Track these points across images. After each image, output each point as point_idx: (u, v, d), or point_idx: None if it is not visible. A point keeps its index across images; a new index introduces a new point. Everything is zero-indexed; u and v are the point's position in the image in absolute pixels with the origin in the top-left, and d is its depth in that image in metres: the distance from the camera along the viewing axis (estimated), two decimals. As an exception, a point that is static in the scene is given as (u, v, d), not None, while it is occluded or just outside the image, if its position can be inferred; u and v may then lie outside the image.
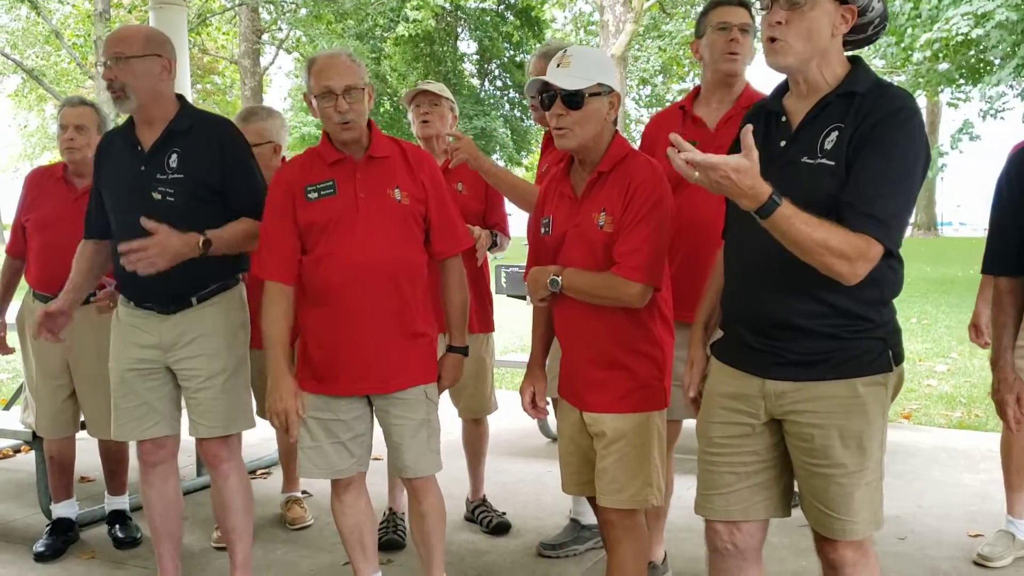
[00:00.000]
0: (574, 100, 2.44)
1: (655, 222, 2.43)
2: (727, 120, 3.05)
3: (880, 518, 2.14)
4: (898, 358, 2.10)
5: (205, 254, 2.90)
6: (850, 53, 2.14)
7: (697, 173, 1.85)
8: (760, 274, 2.10)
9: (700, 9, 3.24)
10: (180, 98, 3.14)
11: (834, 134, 2.01)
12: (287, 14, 24.43)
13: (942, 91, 17.16)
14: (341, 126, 2.73)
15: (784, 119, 2.13)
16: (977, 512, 4.03)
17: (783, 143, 2.10)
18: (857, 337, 2.05)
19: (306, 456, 2.86)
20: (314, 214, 2.77)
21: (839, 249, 1.90)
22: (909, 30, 15.12)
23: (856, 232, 1.91)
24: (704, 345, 2.41)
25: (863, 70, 2.09)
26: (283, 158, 3.87)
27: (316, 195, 2.78)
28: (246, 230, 2.99)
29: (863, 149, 1.96)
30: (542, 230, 2.67)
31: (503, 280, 6.17)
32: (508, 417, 4.68)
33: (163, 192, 2.95)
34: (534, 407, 2.78)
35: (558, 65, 2.46)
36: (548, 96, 2.48)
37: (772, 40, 2.05)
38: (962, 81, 15.96)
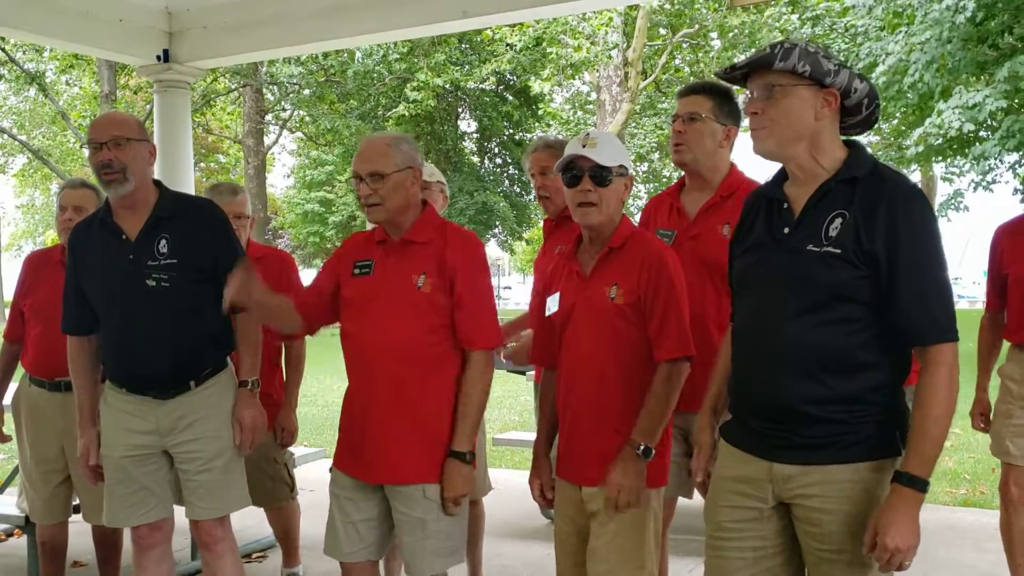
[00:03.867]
0: (602, 177, 2.53)
1: (678, 295, 2.52)
2: (707, 209, 3.03)
3: None
4: (907, 441, 2.06)
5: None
6: (847, 138, 2.16)
7: None
8: (766, 360, 2.10)
9: None
10: (157, 183, 3.18)
11: (838, 220, 2.02)
12: (291, 95, 24.90)
13: (937, 162, 17.44)
14: (365, 208, 2.79)
15: (786, 206, 2.15)
16: (985, 594, 3.96)
17: (786, 230, 2.12)
18: (864, 421, 2.04)
19: (326, 532, 2.85)
20: (351, 290, 2.83)
21: (952, 392, 1.97)
22: (898, 115, 15.40)
23: (931, 346, 1.98)
24: (712, 430, 2.39)
25: (861, 154, 2.11)
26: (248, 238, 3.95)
27: (358, 271, 2.84)
28: (256, 338, 3.16)
29: (895, 260, 1.97)
30: (549, 309, 2.70)
31: (502, 356, 6.15)
32: (507, 497, 4.63)
33: (157, 279, 2.98)
34: (544, 498, 2.77)
35: (583, 145, 2.54)
36: (572, 175, 2.56)
37: (754, 129, 2.10)
38: (951, 154, 16.23)
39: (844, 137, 2.16)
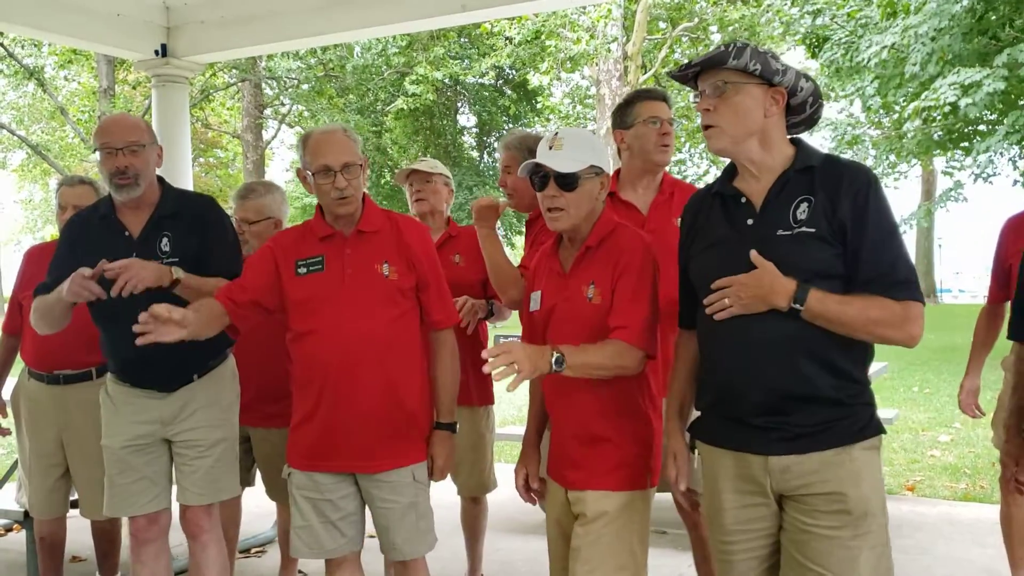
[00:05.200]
0: (568, 182, 2.46)
1: (649, 290, 2.45)
2: (656, 205, 3.22)
3: None
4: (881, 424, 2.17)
5: (171, 289, 2.92)
6: (791, 135, 2.24)
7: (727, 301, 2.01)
8: (757, 350, 2.09)
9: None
10: (160, 179, 3.20)
11: (804, 205, 2.11)
12: (289, 89, 24.88)
13: (936, 155, 17.44)
14: (338, 201, 2.75)
15: (744, 200, 2.20)
16: (986, 588, 3.96)
17: (750, 221, 2.17)
18: (854, 402, 2.11)
19: (297, 535, 2.83)
20: (302, 290, 2.78)
21: (882, 318, 2.03)
22: (901, 100, 15.40)
23: (891, 299, 2.03)
24: (683, 434, 2.39)
25: (807, 147, 2.22)
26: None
27: (305, 270, 2.80)
28: (216, 284, 3.00)
29: (861, 226, 2.05)
30: (532, 306, 2.67)
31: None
32: (508, 491, 4.61)
33: None
34: (527, 490, 2.75)
35: (550, 147, 2.47)
36: (540, 178, 2.49)
37: (707, 127, 2.17)
38: (951, 146, 16.24)
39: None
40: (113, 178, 3.02)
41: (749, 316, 2.10)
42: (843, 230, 2.06)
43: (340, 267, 2.78)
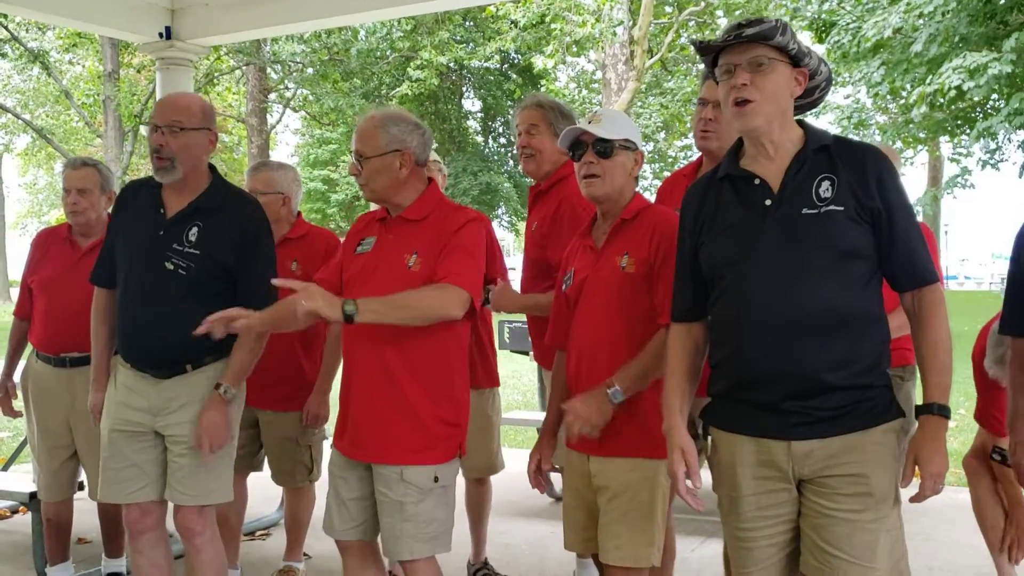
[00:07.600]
0: (605, 150, 2.59)
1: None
2: None
3: (904, 571, 2.14)
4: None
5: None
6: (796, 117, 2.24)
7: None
8: (800, 335, 2.07)
9: (701, 67, 3.26)
10: (212, 169, 3.12)
11: (826, 183, 2.10)
12: (294, 73, 24.82)
13: (944, 141, 17.42)
14: (359, 185, 2.79)
15: (758, 181, 2.17)
16: (989, 574, 3.96)
17: (768, 202, 2.14)
18: (875, 385, 2.12)
19: (325, 509, 2.82)
20: (352, 268, 2.80)
21: (948, 322, 2.14)
22: (908, 86, 15.36)
23: (924, 288, 2.13)
24: (686, 431, 2.29)
25: (813, 127, 2.23)
26: (299, 212, 3.90)
27: (360, 248, 2.80)
28: (252, 349, 3.02)
29: (891, 211, 2.09)
30: (564, 286, 2.73)
31: (506, 336, 6.16)
32: (511, 475, 4.63)
33: (176, 264, 2.94)
34: (538, 474, 2.76)
35: (589, 122, 2.63)
36: (579, 152, 2.64)
37: (740, 103, 2.12)
38: (958, 131, 16.20)
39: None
40: (151, 155, 2.97)
41: (778, 300, 2.08)
42: (870, 211, 2.07)
43: (379, 251, 2.75)
